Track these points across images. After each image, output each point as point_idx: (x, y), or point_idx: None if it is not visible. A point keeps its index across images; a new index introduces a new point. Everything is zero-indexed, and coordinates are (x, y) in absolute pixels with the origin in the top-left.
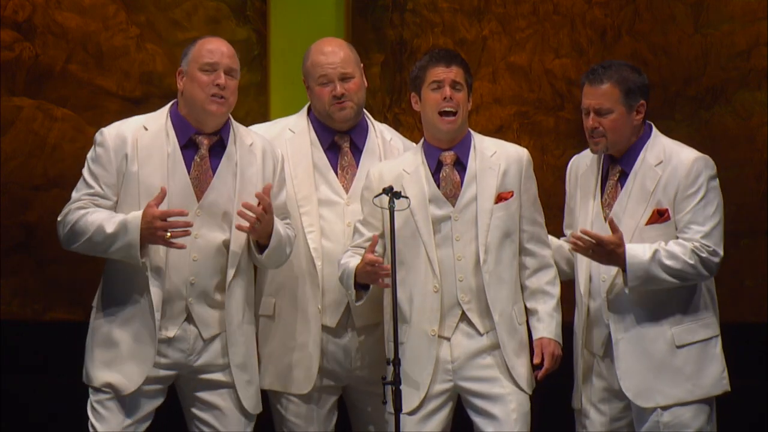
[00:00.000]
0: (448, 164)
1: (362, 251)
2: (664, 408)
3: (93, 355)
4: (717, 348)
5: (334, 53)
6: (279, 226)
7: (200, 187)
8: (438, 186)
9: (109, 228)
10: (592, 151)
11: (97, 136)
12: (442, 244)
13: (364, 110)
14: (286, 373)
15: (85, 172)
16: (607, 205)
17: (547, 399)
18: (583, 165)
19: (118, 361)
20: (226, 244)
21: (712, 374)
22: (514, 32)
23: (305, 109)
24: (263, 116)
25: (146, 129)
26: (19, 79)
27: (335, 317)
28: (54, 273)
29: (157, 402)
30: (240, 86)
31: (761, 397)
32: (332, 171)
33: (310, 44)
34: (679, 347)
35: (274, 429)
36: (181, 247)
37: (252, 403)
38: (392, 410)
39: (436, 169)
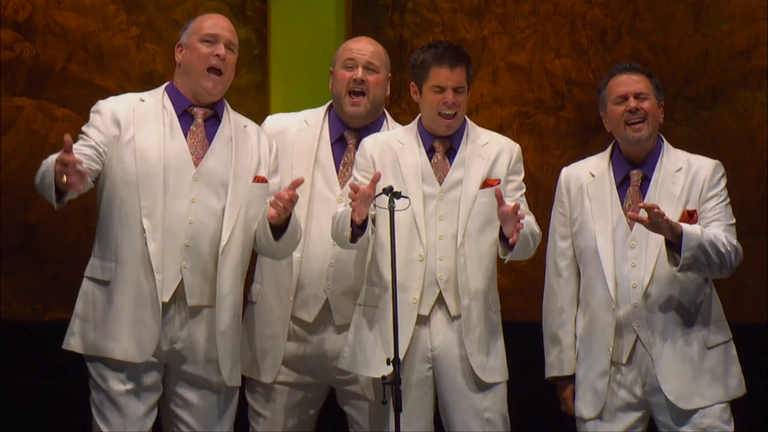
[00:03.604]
0: (440, 151)
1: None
2: (704, 409)
3: (93, 324)
4: (734, 350)
5: (367, 43)
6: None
7: (197, 154)
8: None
9: (42, 167)
10: (633, 138)
11: (93, 107)
12: (426, 222)
13: (386, 113)
14: (256, 359)
15: (79, 138)
16: (630, 211)
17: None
18: (585, 175)
19: (126, 328)
20: (222, 211)
21: (737, 374)
22: (514, 32)
23: (328, 103)
24: (263, 116)
25: (142, 101)
26: (19, 79)
27: (313, 312)
28: (54, 273)
29: (157, 394)
30: (240, 86)
31: (762, 398)
32: (333, 166)
33: (311, 44)
34: (709, 348)
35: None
36: (76, 189)
37: (228, 373)
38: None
39: (428, 150)
